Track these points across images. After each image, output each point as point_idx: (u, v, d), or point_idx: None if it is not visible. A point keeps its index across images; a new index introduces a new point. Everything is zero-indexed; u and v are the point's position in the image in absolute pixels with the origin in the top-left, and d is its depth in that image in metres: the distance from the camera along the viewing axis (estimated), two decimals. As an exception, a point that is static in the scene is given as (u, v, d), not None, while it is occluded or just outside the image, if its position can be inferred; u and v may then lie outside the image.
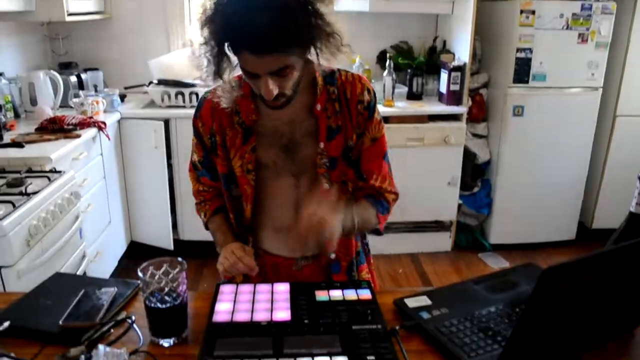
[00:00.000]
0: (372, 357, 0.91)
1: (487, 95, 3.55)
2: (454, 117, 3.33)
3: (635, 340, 1.07)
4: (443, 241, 3.57)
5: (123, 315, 1.09)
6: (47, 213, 1.88)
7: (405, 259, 3.48)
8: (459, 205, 3.56)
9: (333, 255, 1.32)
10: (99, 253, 2.67)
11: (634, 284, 0.96)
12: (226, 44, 1.10)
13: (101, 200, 2.80)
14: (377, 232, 1.37)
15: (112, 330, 1.05)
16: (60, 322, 1.02)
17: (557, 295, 0.80)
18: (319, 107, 1.24)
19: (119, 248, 3.12)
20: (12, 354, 0.94)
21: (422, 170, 3.31)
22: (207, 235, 1.50)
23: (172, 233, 3.23)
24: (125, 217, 3.21)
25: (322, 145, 1.26)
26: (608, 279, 0.87)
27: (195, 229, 3.33)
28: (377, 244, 3.39)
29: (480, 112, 3.53)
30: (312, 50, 1.11)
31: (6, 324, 1.00)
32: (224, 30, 1.07)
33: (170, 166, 3.16)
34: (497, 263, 3.43)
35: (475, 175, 3.63)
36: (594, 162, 3.54)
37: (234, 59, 1.12)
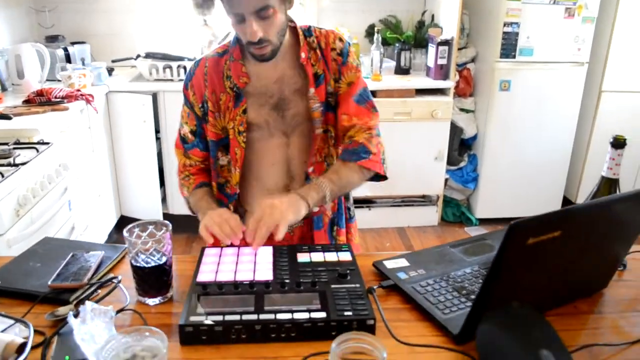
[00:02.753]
0: (350, 313, 0.95)
1: (474, 70, 3.57)
2: (441, 92, 3.35)
3: (604, 299, 1.12)
4: (430, 215, 3.62)
5: (110, 276, 1.12)
6: (35, 183, 1.90)
7: (393, 233, 3.53)
8: (446, 180, 3.60)
9: (316, 209, 1.35)
10: (89, 226, 2.69)
11: (601, 242, 1.00)
12: None
13: (90, 173, 2.81)
14: (379, 178, 1.39)
15: (99, 291, 1.08)
16: (49, 283, 1.05)
17: (524, 250, 0.84)
18: (303, 55, 1.31)
19: (109, 222, 3.14)
20: (3, 312, 0.97)
21: (409, 144, 3.34)
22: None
23: (162, 207, 3.25)
24: (115, 191, 3.23)
25: (312, 90, 1.32)
26: (576, 236, 0.91)
27: (184, 203, 3.37)
28: (365, 218, 3.45)
29: (467, 87, 3.55)
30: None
31: (-4, 284, 1.03)
32: None
33: (158, 140, 3.17)
34: (482, 236, 3.48)
35: (462, 150, 3.67)
36: (579, 137, 3.58)
37: None
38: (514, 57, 3.28)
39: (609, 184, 1.17)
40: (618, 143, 1.14)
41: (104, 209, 3.04)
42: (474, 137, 3.63)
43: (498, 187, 3.57)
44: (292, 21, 1.33)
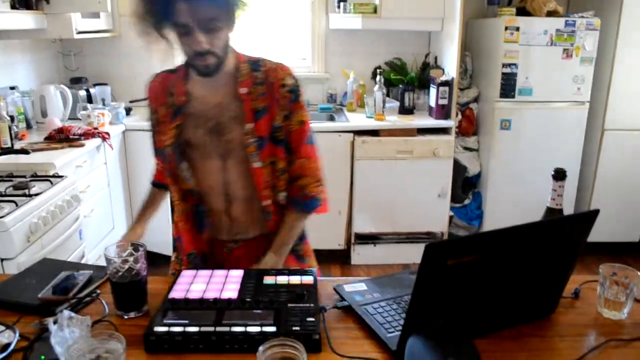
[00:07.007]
0: (297, 328, 1.05)
1: (477, 110, 3.68)
2: (443, 131, 3.46)
3: (549, 324, 1.19)
4: (434, 251, 3.67)
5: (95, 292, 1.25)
6: (47, 213, 2.06)
7: (398, 269, 3.58)
8: (451, 217, 3.67)
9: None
10: (101, 256, 2.84)
11: (533, 266, 1.08)
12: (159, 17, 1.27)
13: (104, 206, 2.98)
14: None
15: (81, 304, 1.21)
16: (39, 296, 1.18)
17: (444, 271, 0.93)
18: (243, 90, 1.38)
19: (122, 252, 3.29)
20: (-4, 320, 1.10)
21: (412, 182, 3.43)
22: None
23: (172, 241, 3.39)
24: (129, 224, 3.39)
25: (249, 125, 1.38)
26: (499, 260, 1.00)
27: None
28: (370, 254, 3.53)
29: (470, 126, 3.66)
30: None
31: (-7, 296, 1.17)
32: None
33: (171, 175, 3.34)
34: (486, 272, 3.51)
35: (467, 188, 3.75)
36: (583, 176, 3.63)
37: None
38: (513, 96, 3.39)
39: (553, 214, 1.26)
40: (559, 175, 1.24)
41: (117, 240, 3.19)
42: (478, 175, 3.71)
43: (502, 225, 3.59)
44: (235, 49, 1.41)
